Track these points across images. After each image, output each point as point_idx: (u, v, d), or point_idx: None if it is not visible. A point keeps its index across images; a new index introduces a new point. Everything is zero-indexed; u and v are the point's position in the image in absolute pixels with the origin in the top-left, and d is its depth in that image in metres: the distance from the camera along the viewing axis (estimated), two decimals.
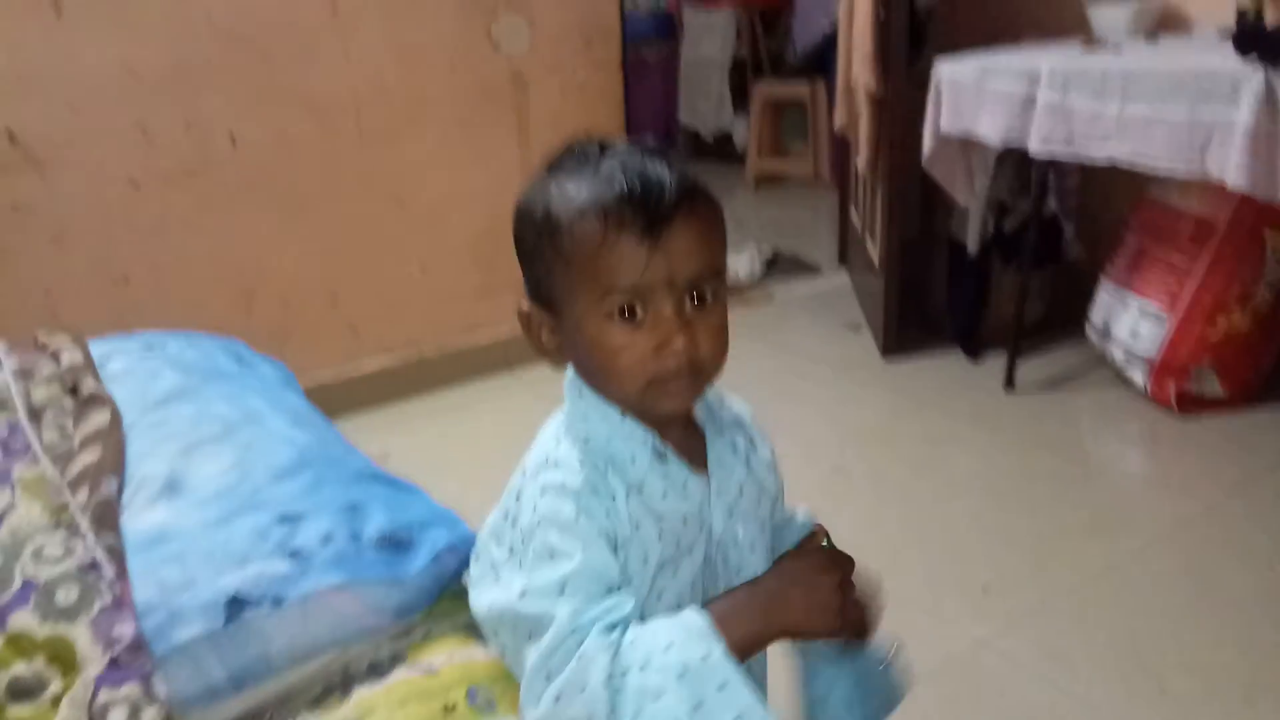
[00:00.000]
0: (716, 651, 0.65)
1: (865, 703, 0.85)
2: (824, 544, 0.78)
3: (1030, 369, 2.52)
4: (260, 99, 2.28)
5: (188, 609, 0.74)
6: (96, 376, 1.07)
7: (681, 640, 0.65)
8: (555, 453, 0.73)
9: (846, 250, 3.47)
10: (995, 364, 2.55)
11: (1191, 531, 1.86)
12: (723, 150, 5.63)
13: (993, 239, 2.63)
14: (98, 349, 1.18)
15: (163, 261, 2.26)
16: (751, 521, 0.79)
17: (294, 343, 2.46)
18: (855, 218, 3.23)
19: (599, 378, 0.73)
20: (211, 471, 0.90)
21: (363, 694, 0.74)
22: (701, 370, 0.71)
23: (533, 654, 0.66)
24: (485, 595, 0.74)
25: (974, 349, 2.68)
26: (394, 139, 2.47)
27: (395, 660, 0.77)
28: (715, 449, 0.78)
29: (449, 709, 0.71)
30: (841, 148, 3.33)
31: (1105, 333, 2.41)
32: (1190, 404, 2.27)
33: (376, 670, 0.76)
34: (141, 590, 0.76)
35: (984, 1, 2.94)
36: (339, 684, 0.75)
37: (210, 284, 2.33)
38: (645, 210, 0.67)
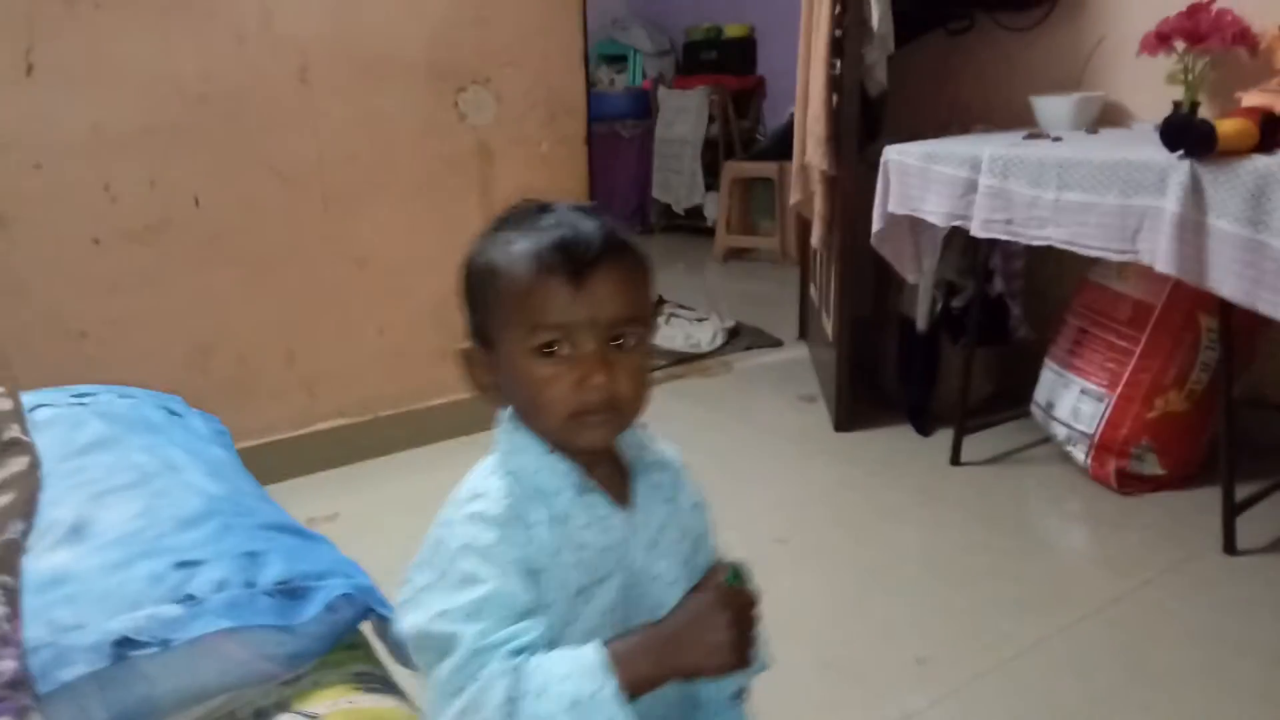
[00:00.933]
0: (608, 689, 0.69)
1: None
2: (726, 578, 0.80)
3: (977, 445, 2.56)
4: (226, 162, 2.34)
5: (75, 649, 0.75)
6: (22, 424, 1.08)
7: (577, 674, 0.69)
8: (483, 485, 0.78)
9: (806, 324, 3.53)
10: (944, 439, 2.59)
11: (1124, 608, 1.88)
12: (694, 225, 5.74)
13: (941, 317, 2.69)
14: (30, 399, 1.20)
15: (121, 318, 2.28)
16: (673, 558, 0.84)
17: (250, 401, 2.48)
18: (814, 293, 3.30)
19: (527, 410, 0.79)
20: (117, 518, 0.92)
21: None
22: (620, 408, 0.77)
23: (442, 671, 0.70)
24: (407, 618, 0.78)
25: (924, 424, 2.73)
26: (358, 203, 2.53)
27: (280, 707, 0.78)
28: (639, 487, 0.84)
29: None
30: (806, 225, 3.42)
31: (1048, 411, 2.46)
32: (1130, 482, 2.31)
33: (261, 716, 0.76)
34: (33, 629, 0.76)
35: (937, 93, 3.06)
36: None
37: (168, 341, 2.35)
38: (573, 255, 0.74)
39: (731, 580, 0.78)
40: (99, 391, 1.25)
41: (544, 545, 0.76)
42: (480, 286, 0.79)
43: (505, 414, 0.82)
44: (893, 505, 2.35)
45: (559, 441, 0.79)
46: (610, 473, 0.83)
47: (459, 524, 0.76)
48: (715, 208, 5.26)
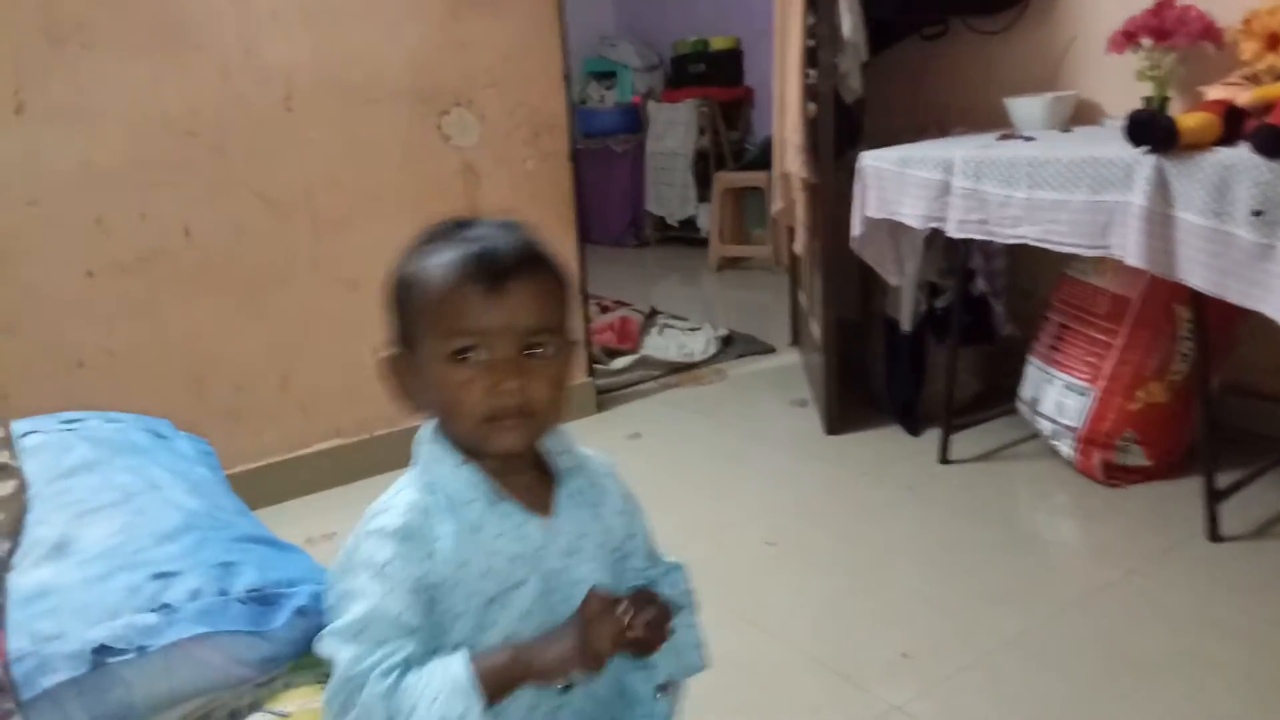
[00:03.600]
0: (474, 710, 0.72)
1: None
2: (601, 597, 0.81)
3: (965, 443, 2.58)
4: (214, 191, 2.39)
5: (56, 656, 0.79)
6: (11, 449, 1.13)
7: (446, 695, 0.72)
8: (392, 500, 0.81)
9: (797, 330, 3.57)
10: (933, 438, 2.61)
11: (1109, 597, 1.90)
12: (688, 236, 5.79)
13: (926, 318, 2.72)
14: (21, 426, 1.24)
15: (116, 348, 2.33)
16: (596, 563, 0.86)
17: (245, 425, 2.53)
18: (803, 299, 3.34)
19: (445, 415, 0.82)
20: (99, 534, 0.96)
21: None
22: (533, 413, 0.80)
23: (326, 690, 0.74)
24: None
25: (913, 424, 2.76)
26: (346, 227, 2.58)
27: (253, 707, 0.82)
28: (559, 495, 0.86)
29: None
30: (793, 233, 3.46)
31: (1034, 407, 2.49)
32: (1116, 474, 2.34)
33: (236, 716, 0.80)
34: (16, 640, 0.80)
35: (914, 97, 3.10)
36: None
37: (163, 369, 2.39)
38: (490, 264, 0.78)
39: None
40: (87, 417, 1.30)
41: (448, 558, 0.78)
42: (402, 296, 0.82)
43: (427, 425, 0.85)
44: (882, 504, 2.38)
45: (474, 446, 0.81)
46: (532, 480, 0.86)
47: (364, 538, 0.79)
48: (708, 218, 5.31)
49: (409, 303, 0.81)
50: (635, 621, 0.79)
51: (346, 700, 0.73)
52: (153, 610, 0.83)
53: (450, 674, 0.73)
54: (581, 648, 0.77)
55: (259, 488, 2.40)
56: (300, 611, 0.87)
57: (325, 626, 0.92)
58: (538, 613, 0.83)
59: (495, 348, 0.78)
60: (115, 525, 0.97)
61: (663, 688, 0.88)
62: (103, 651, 0.79)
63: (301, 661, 0.88)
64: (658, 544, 0.98)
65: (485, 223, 0.83)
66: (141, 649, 0.80)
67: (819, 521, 2.33)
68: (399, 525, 0.78)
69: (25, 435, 1.20)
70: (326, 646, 0.76)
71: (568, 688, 0.83)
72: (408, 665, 0.74)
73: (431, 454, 0.83)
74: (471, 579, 0.79)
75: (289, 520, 2.36)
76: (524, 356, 0.79)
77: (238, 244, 2.44)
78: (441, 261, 0.79)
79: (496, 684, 0.75)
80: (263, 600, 0.87)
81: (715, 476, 2.62)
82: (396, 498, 0.81)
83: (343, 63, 2.51)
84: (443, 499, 0.80)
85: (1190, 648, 1.72)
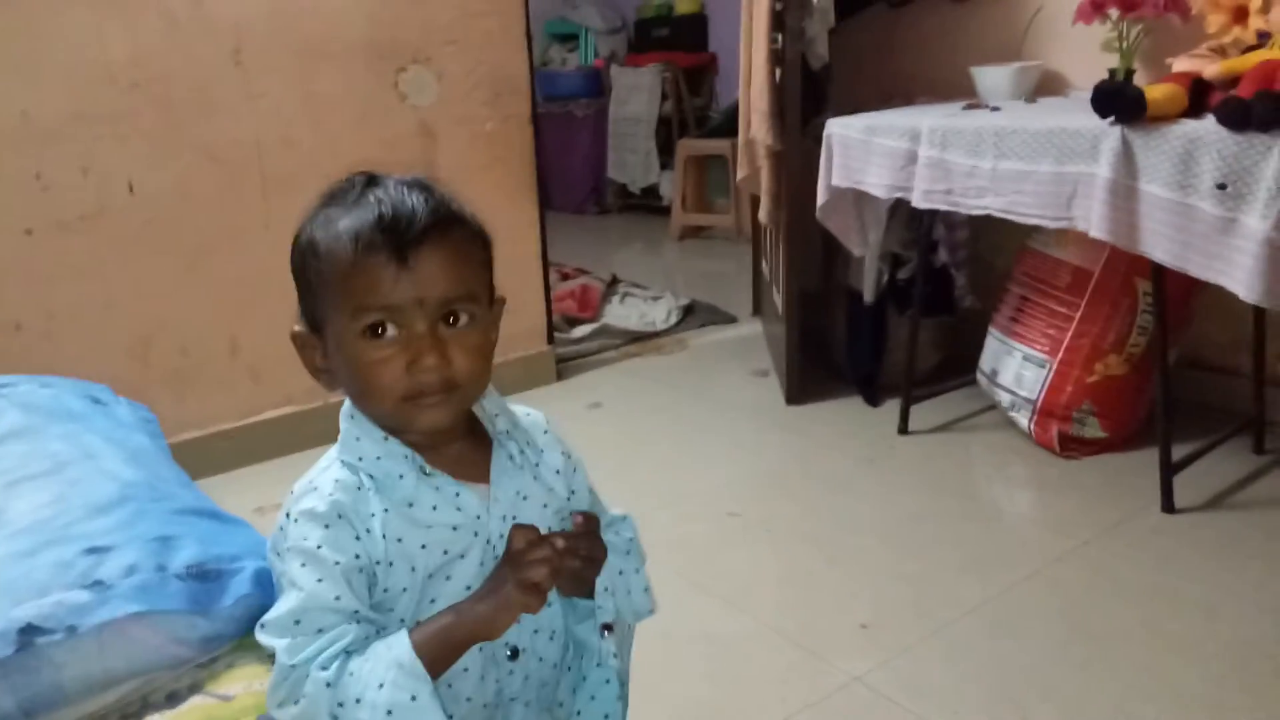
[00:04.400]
0: (423, 693, 0.69)
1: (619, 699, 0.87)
2: (524, 529, 0.77)
3: (925, 414, 2.59)
4: (160, 147, 2.30)
5: None
6: None
7: (392, 679, 0.69)
8: (319, 478, 0.77)
9: (759, 300, 3.55)
10: (893, 409, 2.61)
11: (1065, 568, 1.91)
12: (650, 204, 5.74)
13: (888, 289, 2.71)
14: None
15: (56, 309, 2.24)
16: (537, 526, 0.81)
17: (194, 391, 2.46)
18: (765, 268, 3.31)
19: (360, 395, 0.77)
20: (28, 506, 0.90)
21: None
22: (457, 386, 0.75)
23: (269, 682, 0.71)
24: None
25: (873, 395, 2.75)
26: (299, 187, 2.47)
27: (193, 689, 0.78)
28: (495, 459, 0.82)
29: None
30: (757, 202, 3.43)
31: (993, 379, 2.50)
32: (1072, 445, 2.35)
33: (174, 699, 0.76)
34: None
35: (880, 65, 3.07)
36: (135, 713, 0.76)
37: (106, 331, 2.31)
38: (395, 234, 0.72)
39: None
40: (19, 381, 1.23)
41: (378, 537, 0.74)
42: (304, 267, 0.76)
43: (346, 401, 0.80)
44: (842, 475, 2.37)
45: (396, 425, 0.77)
46: (464, 448, 0.82)
47: (293, 520, 0.75)
48: (670, 186, 5.26)
49: (311, 275, 0.75)
50: (567, 545, 0.75)
51: (288, 694, 0.69)
52: (84, 587, 0.79)
53: (393, 655, 0.70)
54: (517, 585, 0.73)
55: (208, 456, 2.33)
56: (243, 590, 0.83)
57: (268, 605, 0.89)
58: (481, 581, 0.79)
59: (408, 323, 0.73)
60: (46, 496, 0.92)
61: (608, 627, 0.84)
62: (30, 631, 0.74)
63: (244, 641, 0.84)
64: (602, 498, 0.95)
65: (391, 181, 0.77)
66: (72, 629, 0.75)
67: (780, 492, 2.33)
68: (326, 507, 0.73)
69: None
70: (263, 638, 0.72)
71: (514, 654, 0.80)
72: (349, 652, 0.70)
73: (351, 430, 0.78)
74: (410, 554, 0.75)
75: (240, 489, 2.30)
76: (442, 328, 0.74)
77: (184, 202, 2.35)
78: (342, 230, 0.73)
79: (441, 651, 0.72)
80: (203, 576, 0.82)
81: (676, 446, 2.60)
82: (323, 476, 0.77)
83: (295, 15, 2.41)
84: (368, 478, 0.76)
85: (1146, 618, 1.74)
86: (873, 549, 2.04)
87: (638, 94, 5.53)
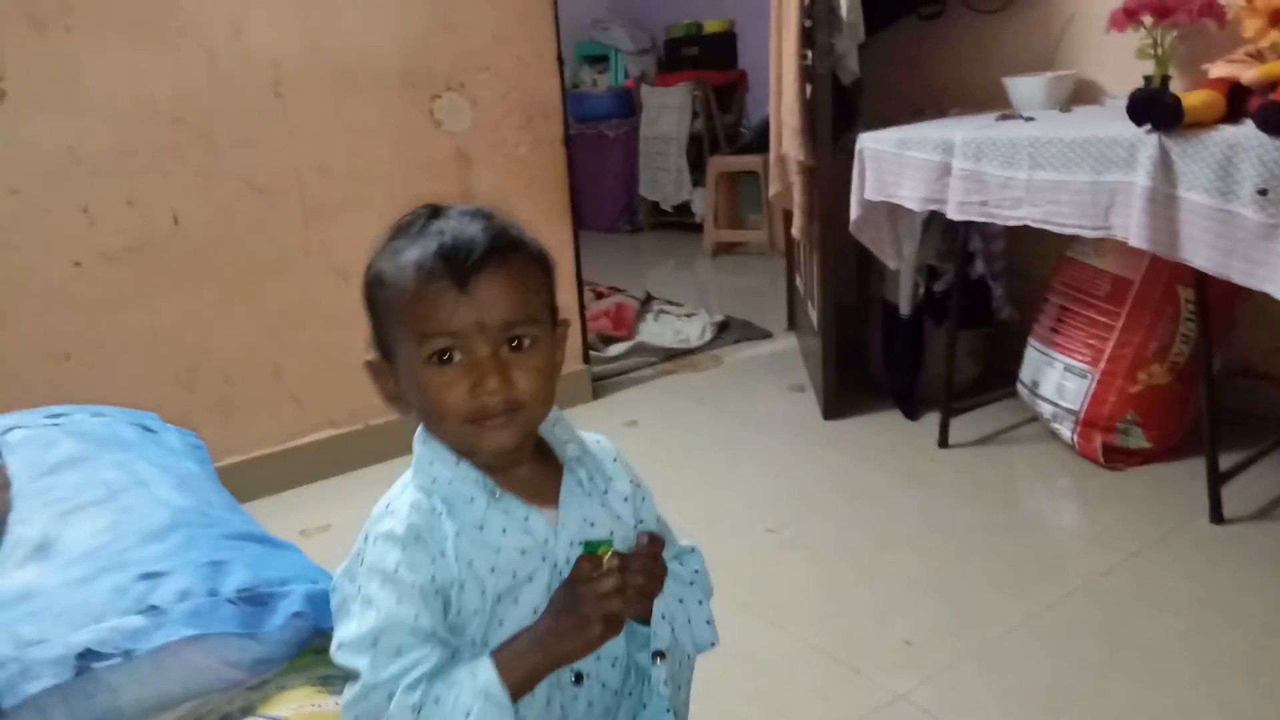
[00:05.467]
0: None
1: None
2: (589, 558, 0.79)
3: (964, 427, 2.56)
4: (203, 179, 2.35)
5: (39, 662, 0.76)
6: None
7: (479, 709, 0.70)
8: (395, 501, 0.79)
9: (794, 315, 3.54)
10: (932, 422, 2.59)
11: (1111, 582, 1.88)
12: (683, 222, 5.75)
13: (924, 301, 2.70)
14: (4, 421, 1.21)
15: (105, 339, 2.30)
16: (600, 556, 0.82)
17: (239, 416, 2.50)
18: (799, 283, 3.31)
19: (429, 420, 0.79)
20: (83, 534, 0.93)
21: None
22: (520, 408, 0.77)
23: (345, 700, 0.72)
24: (336, 635, 0.79)
25: (911, 408, 2.73)
26: (337, 215, 2.54)
27: (246, 712, 0.79)
28: (565, 485, 0.84)
29: None
30: (790, 217, 3.42)
31: (1034, 390, 2.47)
32: (1116, 456, 2.32)
33: None
34: None
35: (912, 78, 3.06)
36: None
37: (153, 360, 2.36)
38: (454, 261, 0.75)
39: (588, 549, 0.78)
40: (72, 411, 1.26)
41: (456, 558, 0.76)
42: (374, 298, 0.79)
43: (420, 427, 0.83)
44: (881, 490, 2.36)
45: (464, 448, 0.79)
46: (533, 471, 0.84)
47: (371, 543, 0.77)
48: (703, 203, 5.27)
49: (380, 304, 0.79)
50: (630, 567, 0.77)
51: (365, 713, 0.71)
52: (139, 612, 0.81)
53: (479, 685, 0.72)
54: (591, 615, 0.75)
55: (252, 480, 2.37)
56: (294, 612, 0.85)
57: (319, 627, 0.90)
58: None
59: (471, 347, 0.76)
60: (100, 524, 0.94)
61: (660, 654, 0.85)
62: (88, 656, 0.76)
63: (295, 663, 0.85)
64: (670, 528, 0.96)
65: (454, 211, 0.80)
66: (128, 653, 0.77)
67: (819, 508, 2.31)
68: (404, 530, 0.75)
69: (9, 431, 1.17)
70: (342, 658, 0.73)
71: (578, 679, 0.82)
72: (433, 675, 0.72)
73: (424, 455, 0.80)
74: (480, 577, 0.77)
75: (283, 512, 2.34)
76: (504, 351, 0.77)
77: (227, 232, 2.40)
78: (407, 261, 0.76)
79: (525, 682, 0.74)
80: (254, 600, 0.84)
81: (713, 463, 2.60)
82: (400, 499, 0.79)
83: (332, 46, 2.46)
84: (441, 501, 0.78)
85: (1194, 631, 1.71)
86: (914, 564, 2.02)
87: (668, 113, 5.55)
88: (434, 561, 0.75)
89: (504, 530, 0.79)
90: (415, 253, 0.76)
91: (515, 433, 0.79)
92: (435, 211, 0.80)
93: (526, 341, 0.78)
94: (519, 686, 0.73)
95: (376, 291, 0.79)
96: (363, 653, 0.72)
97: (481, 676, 0.72)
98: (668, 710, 0.86)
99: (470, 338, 0.75)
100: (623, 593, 0.75)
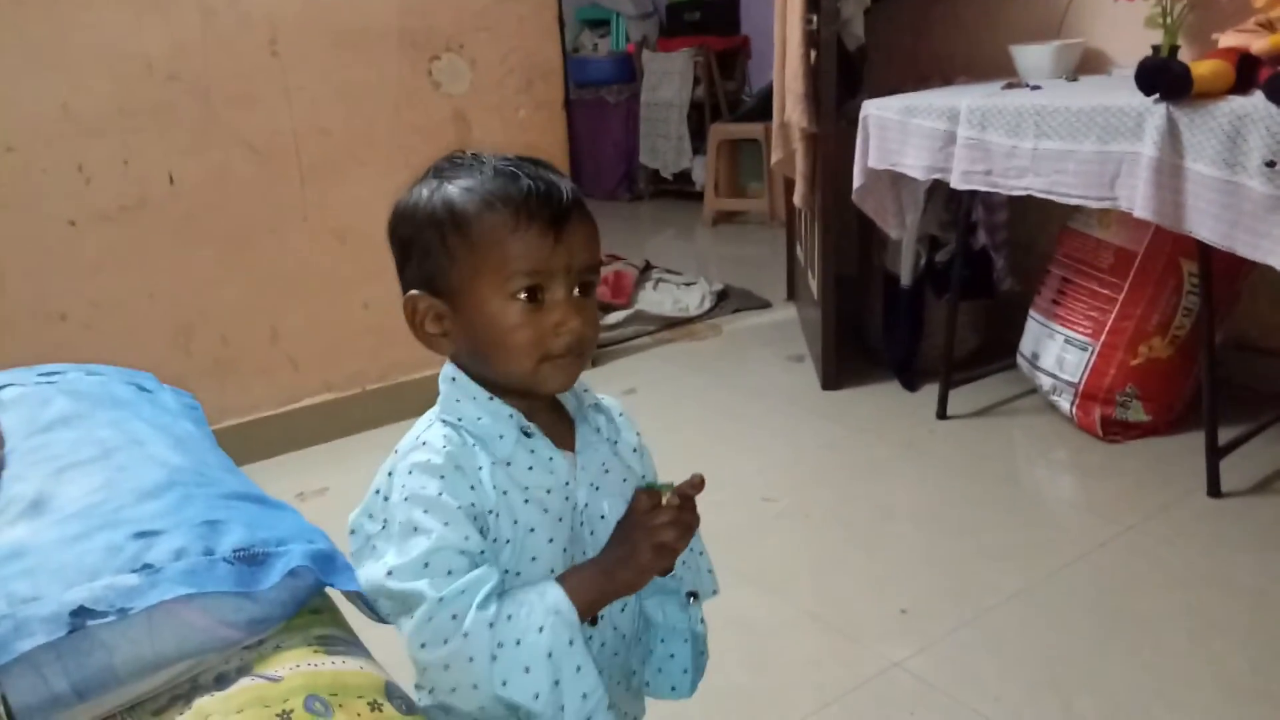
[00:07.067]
0: (578, 639, 0.75)
1: (696, 660, 0.93)
2: (649, 493, 0.83)
3: (964, 398, 2.56)
4: (199, 139, 2.32)
5: (32, 619, 0.75)
6: None
7: (551, 624, 0.74)
8: (426, 434, 0.81)
9: (794, 285, 3.53)
10: (931, 394, 2.59)
11: (1109, 554, 1.89)
12: (683, 190, 5.71)
13: (925, 272, 2.68)
14: None
15: (100, 299, 2.28)
16: (616, 498, 0.86)
17: (234, 378, 2.49)
18: (800, 253, 3.29)
19: (493, 356, 0.80)
20: (78, 491, 0.92)
21: (203, 702, 0.75)
22: (585, 351, 0.81)
23: (407, 627, 0.74)
24: (363, 570, 0.81)
25: (910, 379, 2.73)
26: (335, 177, 2.51)
27: (242, 671, 0.79)
28: (581, 431, 0.87)
29: (284, 715, 0.73)
30: (791, 185, 3.40)
31: (1034, 362, 2.46)
32: (1115, 429, 2.31)
33: (222, 681, 0.77)
34: None
35: (917, 46, 3.03)
36: (185, 694, 0.77)
37: (148, 320, 2.35)
38: (550, 205, 0.77)
39: (649, 487, 0.83)
40: (67, 370, 1.25)
41: (488, 488, 0.78)
42: (436, 234, 0.79)
43: (447, 365, 0.84)
44: (880, 461, 2.35)
45: (524, 386, 0.81)
46: (552, 419, 0.86)
47: (402, 475, 0.78)
48: (703, 171, 5.23)
49: (453, 239, 0.78)
50: (686, 505, 0.82)
51: (435, 634, 0.72)
52: (134, 571, 0.80)
53: (549, 603, 0.75)
54: (653, 549, 0.79)
55: (249, 443, 2.36)
56: (290, 571, 0.84)
57: (317, 586, 0.90)
58: (570, 546, 0.83)
59: (555, 288, 0.78)
60: (95, 482, 0.93)
61: (693, 594, 0.91)
62: (81, 614, 0.76)
63: (292, 623, 0.85)
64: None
65: (509, 158, 0.81)
66: (123, 611, 0.77)
67: (817, 478, 2.31)
68: (442, 459, 0.77)
69: (2, 388, 1.16)
70: (395, 583, 0.74)
71: (594, 620, 0.84)
72: (498, 594, 0.74)
73: (452, 393, 0.82)
74: (513, 507, 0.79)
75: (280, 475, 2.33)
76: (578, 295, 0.80)
77: (224, 193, 2.38)
78: (494, 195, 0.77)
79: (589, 604, 0.78)
80: (250, 560, 0.83)
81: (711, 432, 2.59)
82: (429, 432, 0.80)
83: (329, 4, 2.42)
84: (471, 436, 0.80)
85: (1191, 604, 1.72)
86: (911, 535, 2.02)
87: (669, 79, 5.50)
88: (472, 489, 0.77)
89: (530, 468, 0.81)
90: (502, 189, 0.77)
91: (574, 374, 0.82)
92: (478, 156, 0.82)
93: (591, 289, 0.81)
94: (584, 609, 0.77)
95: (447, 227, 0.78)
96: (418, 576, 0.73)
97: (551, 596, 0.75)
98: (702, 653, 0.92)
99: (555, 278, 0.78)
100: (676, 525, 0.80)
